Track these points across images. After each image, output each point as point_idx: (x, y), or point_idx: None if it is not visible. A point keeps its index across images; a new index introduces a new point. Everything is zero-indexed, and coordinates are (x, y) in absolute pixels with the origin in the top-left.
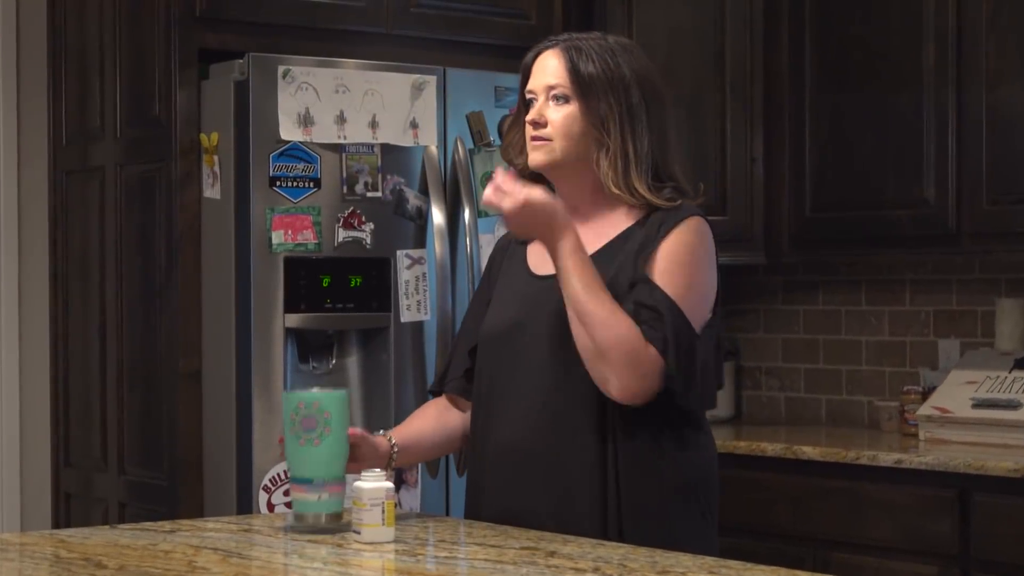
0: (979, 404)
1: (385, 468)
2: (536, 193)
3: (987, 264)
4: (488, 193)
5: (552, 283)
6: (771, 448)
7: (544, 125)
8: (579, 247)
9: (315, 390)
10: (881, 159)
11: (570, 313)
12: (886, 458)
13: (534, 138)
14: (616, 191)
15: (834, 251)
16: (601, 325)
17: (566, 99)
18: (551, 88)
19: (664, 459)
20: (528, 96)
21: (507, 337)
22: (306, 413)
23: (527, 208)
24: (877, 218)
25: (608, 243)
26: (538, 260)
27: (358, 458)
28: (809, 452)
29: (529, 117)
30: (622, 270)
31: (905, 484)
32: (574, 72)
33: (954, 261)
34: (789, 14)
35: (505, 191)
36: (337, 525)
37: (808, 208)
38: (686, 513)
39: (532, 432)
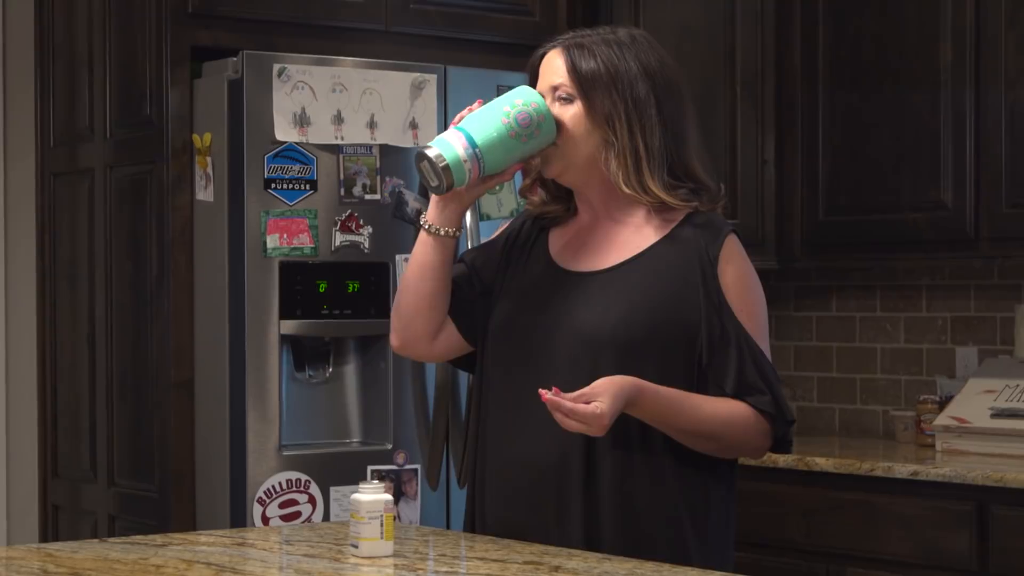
0: (998, 414)
1: (442, 230)
2: (602, 398)
3: (1006, 269)
4: (568, 422)
5: (579, 279)
6: (783, 459)
7: None
8: (651, 401)
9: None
10: (897, 160)
11: (680, 438)
12: (902, 470)
13: None
14: (628, 191)
15: (848, 256)
16: (721, 433)
17: (571, 99)
18: (555, 89)
19: (688, 473)
20: None
21: (524, 336)
22: (531, 113)
23: (606, 415)
24: (893, 221)
25: (635, 256)
26: (563, 252)
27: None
28: (822, 463)
29: None
30: (682, 301)
31: (921, 497)
32: (574, 70)
33: (972, 266)
34: (802, 11)
35: (584, 412)
36: (439, 181)
37: (821, 211)
38: (707, 530)
39: (553, 446)
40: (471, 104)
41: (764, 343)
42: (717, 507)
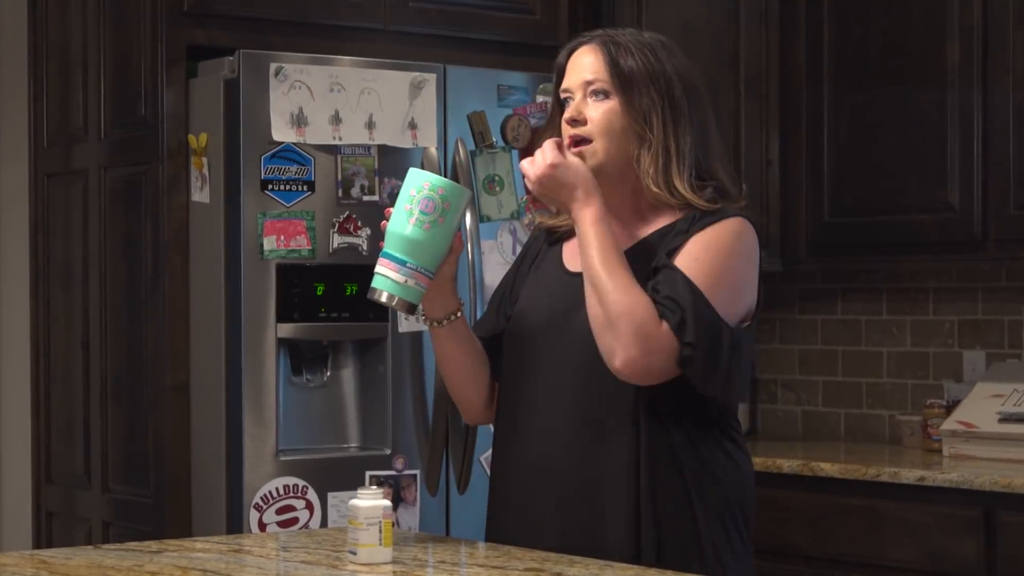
0: (1006, 418)
1: (444, 319)
2: (567, 159)
3: (1014, 271)
4: (524, 162)
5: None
6: (787, 465)
7: (583, 123)
8: (603, 218)
9: (445, 179)
10: (903, 161)
11: (585, 281)
12: (908, 475)
13: (572, 138)
14: (656, 189)
15: (853, 258)
16: (612, 293)
17: (606, 94)
18: (589, 84)
19: (702, 476)
20: (563, 96)
21: (535, 337)
22: (428, 195)
23: (553, 172)
24: (899, 223)
25: (643, 239)
26: (575, 258)
27: (439, 277)
28: (827, 469)
29: (567, 115)
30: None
31: (928, 502)
32: (614, 66)
33: (979, 268)
34: (807, 9)
35: (537, 159)
36: (405, 312)
37: (826, 213)
38: (724, 536)
39: (562, 447)
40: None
41: (714, 291)
42: (733, 514)
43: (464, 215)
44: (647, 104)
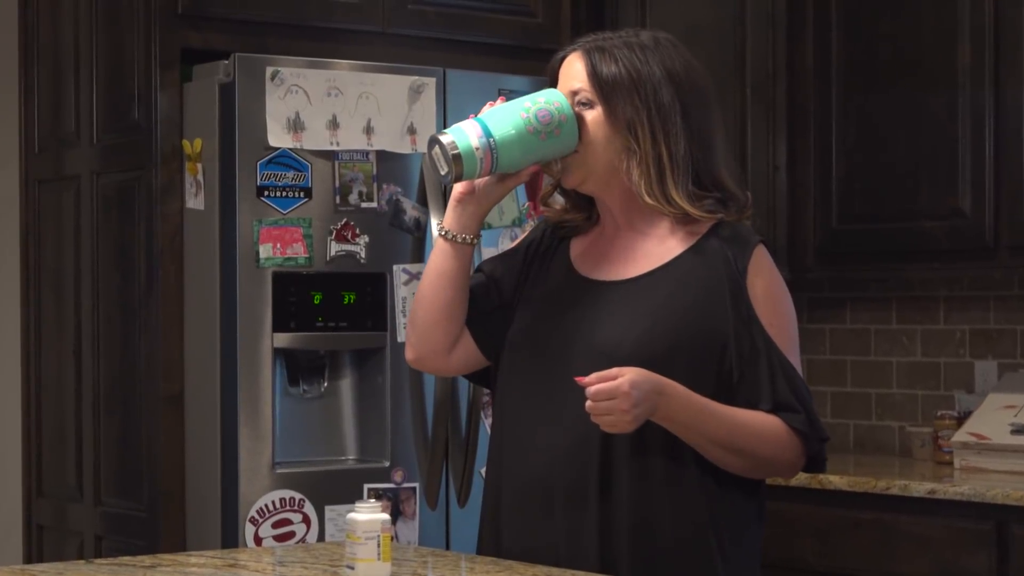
0: (1019, 430)
1: (458, 235)
2: (626, 372)
3: None
4: (589, 406)
5: (601, 289)
6: (795, 477)
7: None
8: (686, 392)
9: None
10: (913, 166)
11: (711, 451)
12: (919, 488)
13: None
14: (650, 201)
15: (863, 266)
16: (754, 447)
17: (590, 104)
18: (575, 94)
19: (709, 494)
20: None
21: (542, 348)
22: (553, 112)
23: (636, 390)
24: (909, 230)
25: (661, 267)
26: (584, 260)
27: (480, 192)
28: (836, 481)
29: None
30: (710, 316)
31: (939, 516)
32: (594, 75)
33: (992, 276)
34: (814, 10)
35: (606, 390)
36: (452, 169)
37: (835, 219)
38: (729, 555)
39: (564, 462)
40: (493, 101)
41: (795, 358)
42: (741, 530)
43: (556, 154)
44: (630, 113)
